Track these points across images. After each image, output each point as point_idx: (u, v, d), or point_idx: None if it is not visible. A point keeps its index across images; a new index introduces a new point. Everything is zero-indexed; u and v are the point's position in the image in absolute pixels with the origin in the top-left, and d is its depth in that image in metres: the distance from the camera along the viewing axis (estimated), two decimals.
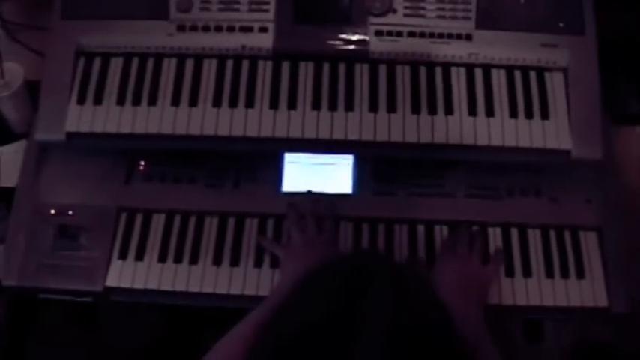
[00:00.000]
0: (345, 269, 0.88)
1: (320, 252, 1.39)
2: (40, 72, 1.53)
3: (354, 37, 1.46)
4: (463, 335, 1.14)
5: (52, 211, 1.50)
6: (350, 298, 0.80)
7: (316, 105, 1.43)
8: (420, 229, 1.49)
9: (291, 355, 0.78)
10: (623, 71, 1.83)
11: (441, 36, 1.46)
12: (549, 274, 1.45)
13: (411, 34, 1.46)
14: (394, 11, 1.47)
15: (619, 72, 1.82)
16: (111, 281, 1.45)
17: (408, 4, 1.47)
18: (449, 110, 1.43)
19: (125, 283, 1.45)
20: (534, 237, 1.49)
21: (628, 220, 1.51)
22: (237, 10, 1.47)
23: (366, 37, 1.46)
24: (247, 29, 1.46)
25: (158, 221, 1.51)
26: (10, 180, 1.60)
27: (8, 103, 1.64)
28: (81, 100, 1.44)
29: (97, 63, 1.48)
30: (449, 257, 1.42)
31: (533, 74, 1.47)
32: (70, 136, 1.43)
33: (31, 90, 1.64)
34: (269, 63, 1.47)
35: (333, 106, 1.43)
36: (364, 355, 0.74)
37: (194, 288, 1.44)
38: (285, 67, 1.46)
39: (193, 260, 1.47)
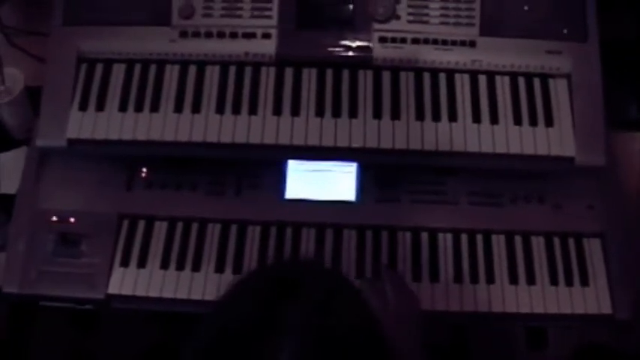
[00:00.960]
0: (273, 274, 0.90)
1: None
2: (39, 78, 1.53)
3: (358, 44, 1.45)
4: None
5: (53, 218, 1.49)
6: (273, 302, 0.80)
7: (320, 112, 1.42)
8: (424, 236, 1.49)
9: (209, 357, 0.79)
10: (625, 77, 1.83)
11: (444, 42, 1.45)
12: (553, 281, 1.45)
13: (415, 41, 1.45)
14: (398, 17, 1.46)
15: (620, 78, 1.82)
16: (112, 288, 1.44)
17: (411, 10, 1.46)
18: (453, 117, 1.43)
19: (127, 291, 1.44)
20: (538, 244, 1.48)
21: (631, 226, 1.51)
22: (240, 16, 1.47)
23: (370, 44, 1.45)
24: (250, 35, 1.46)
25: (160, 228, 1.50)
26: (11, 186, 1.59)
27: (8, 109, 1.63)
28: (83, 107, 1.43)
29: (98, 69, 1.47)
30: (379, 304, 1.31)
31: (537, 81, 1.46)
32: (72, 142, 1.42)
33: (31, 96, 1.63)
34: (272, 69, 1.46)
35: (336, 113, 1.42)
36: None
37: (196, 295, 1.43)
38: (289, 73, 1.46)
39: (195, 267, 1.46)
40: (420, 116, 1.42)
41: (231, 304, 0.86)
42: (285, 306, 0.79)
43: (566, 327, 1.60)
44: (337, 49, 1.46)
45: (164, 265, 1.46)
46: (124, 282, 1.44)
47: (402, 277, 1.43)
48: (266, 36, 1.46)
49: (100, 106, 1.44)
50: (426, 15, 1.46)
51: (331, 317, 0.80)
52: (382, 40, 1.45)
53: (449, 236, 1.49)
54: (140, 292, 1.44)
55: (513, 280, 1.45)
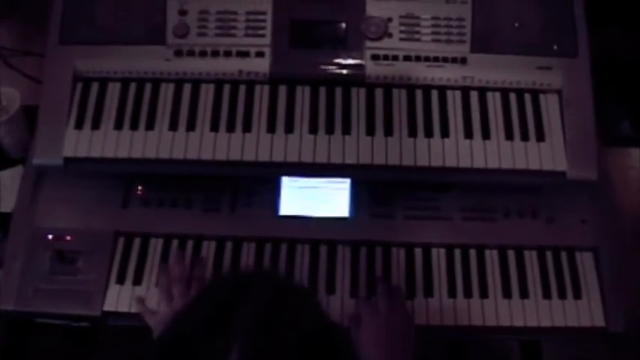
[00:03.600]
0: (228, 282, 0.93)
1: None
2: (34, 97, 1.55)
3: (351, 62, 1.47)
4: None
5: (50, 236, 1.50)
6: (224, 308, 0.83)
7: (313, 129, 1.43)
8: (418, 252, 1.50)
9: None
10: (618, 94, 1.85)
11: (436, 59, 1.47)
12: (546, 295, 1.46)
13: (407, 58, 1.47)
14: (390, 35, 1.47)
15: (613, 94, 1.84)
16: (109, 306, 1.45)
17: (403, 28, 1.48)
18: (445, 133, 1.44)
19: (123, 308, 1.45)
20: (531, 258, 1.50)
21: (623, 240, 1.52)
22: (234, 35, 1.48)
23: (362, 62, 1.46)
24: (244, 54, 1.47)
25: (156, 245, 1.51)
26: (7, 205, 1.60)
27: (5, 128, 1.65)
28: (78, 125, 1.44)
29: (94, 88, 1.48)
30: (370, 318, 1.34)
31: (528, 96, 1.48)
32: (68, 160, 1.43)
33: (27, 114, 1.65)
34: (266, 87, 1.47)
35: (330, 130, 1.43)
36: None
37: None
38: (282, 91, 1.47)
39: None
40: (412, 132, 1.43)
41: (187, 311, 0.90)
42: (236, 308, 0.82)
43: (560, 340, 1.60)
44: (330, 67, 1.47)
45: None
46: (120, 299, 1.45)
47: (402, 292, 1.43)
48: (260, 54, 1.47)
49: (96, 125, 1.44)
50: (418, 33, 1.48)
51: (280, 318, 0.82)
52: (375, 57, 1.47)
53: (442, 251, 1.50)
54: (136, 309, 1.45)
55: (507, 294, 1.46)
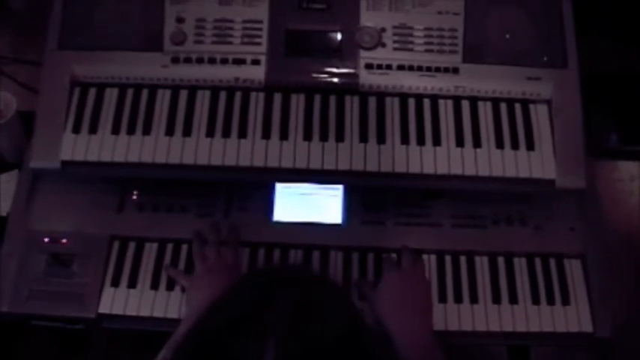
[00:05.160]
0: (264, 276, 0.93)
1: (222, 278, 1.41)
2: (28, 104, 1.57)
3: (345, 70, 1.49)
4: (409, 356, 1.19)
5: (45, 239, 1.51)
6: (258, 302, 0.82)
7: (307, 136, 1.45)
8: None
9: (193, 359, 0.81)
10: (605, 107, 1.88)
11: (428, 69, 1.49)
12: (535, 300, 1.48)
13: (400, 67, 1.49)
14: (383, 45, 1.50)
15: (602, 108, 1.86)
16: (103, 308, 1.46)
17: (396, 38, 1.50)
18: (437, 141, 1.46)
19: (117, 310, 1.46)
20: (520, 265, 1.52)
21: (611, 248, 1.55)
22: (230, 42, 1.50)
23: (356, 70, 1.49)
24: (240, 61, 1.49)
25: (150, 249, 1.53)
26: (3, 208, 1.61)
27: (1, 133, 1.66)
28: (76, 129, 1.46)
29: (92, 93, 1.50)
30: (391, 274, 1.44)
31: (518, 106, 1.50)
32: (65, 164, 1.44)
33: (22, 120, 1.66)
34: (261, 95, 1.49)
35: (324, 137, 1.45)
36: (259, 358, 0.76)
37: None
38: (277, 98, 1.49)
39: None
40: (405, 140, 1.46)
41: (217, 307, 0.88)
42: (271, 303, 0.81)
43: (548, 346, 1.62)
44: (325, 75, 1.49)
45: (154, 285, 1.49)
46: (114, 302, 1.47)
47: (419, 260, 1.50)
48: (256, 62, 1.49)
49: (93, 129, 1.46)
50: (411, 43, 1.50)
51: (316, 318, 0.82)
52: (368, 66, 1.49)
53: (433, 257, 1.53)
54: (131, 311, 1.46)
55: (496, 299, 1.48)
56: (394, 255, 1.51)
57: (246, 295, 0.87)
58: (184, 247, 1.53)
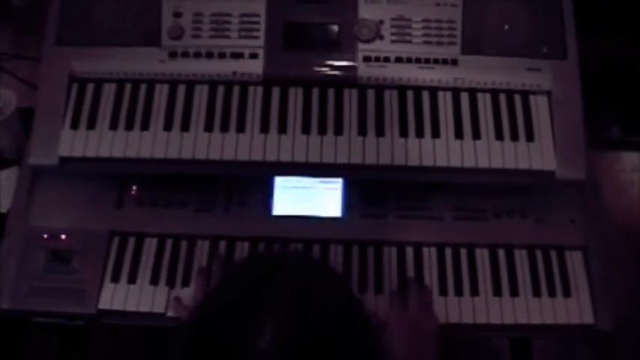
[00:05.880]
0: (262, 261, 0.94)
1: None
2: (27, 101, 1.57)
3: (343, 63, 1.48)
4: None
5: (45, 236, 1.51)
6: (257, 287, 0.83)
7: (306, 129, 1.45)
8: (409, 251, 1.51)
9: (192, 342, 0.82)
10: (607, 98, 1.87)
11: (427, 61, 1.48)
12: (536, 293, 1.47)
13: (399, 60, 1.48)
14: (381, 38, 1.49)
15: (602, 99, 1.86)
16: (103, 304, 1.46)
17: (394, 30, 1.50)
18: (436, 133, 1.45)
19: (118, 306, 1.46)
20: (521, 257, 1.51)
21: (612, 239, 1.55)
22: (228, 36, 1.50)
23: (355, 63, 1.48)
24: (238, 55, 1.48)
25: (150, 245, 1.52)
26: (3, 205, 1.61)
27: (1, 129, 1.66)
28: (74, 125, 1.46)
29: (89, 89, 1.49)
30: (399, 321, 1.38)
31: (518, 97, 1.49)
32: (63, 160, 1.44)
33: (22, 117, 1.66)
34: (259, 88, 1.49)
35: (322, 131, 1.45)
36: (256, 341, 0.77)
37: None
38: (276, 92, 1.49)
39: (185, 283, 1.48)
40: (403, 133, 1.45)
41: (217, 290, 0.89)
42: (268, 289, 0.82)
43: (550, 338, 1.62)
44: (323, 68, 1.49)
45: (154, 280, 1.48)
46: (114, 297, 1.46)
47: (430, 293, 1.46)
48: (253, 56, 1.48)
49: (91, 125, 1.46)
50: (409, 35, 1.50)
51: (313, 299, 0.82)
52: (366, 59, 1.48)
53: (433, 250, 1.52)
54: (131, 307, 1.46)
55: (497, 292, 1.48)
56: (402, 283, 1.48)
57: (244, 281, 0.87)
58: (184, 243, 1.52)
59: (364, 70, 1.48)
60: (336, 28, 1.50)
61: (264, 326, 0.77)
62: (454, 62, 1.49)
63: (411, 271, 1.50)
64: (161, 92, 1.49)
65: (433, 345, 1.36)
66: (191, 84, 1.50)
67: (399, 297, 1.43)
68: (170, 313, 1.46)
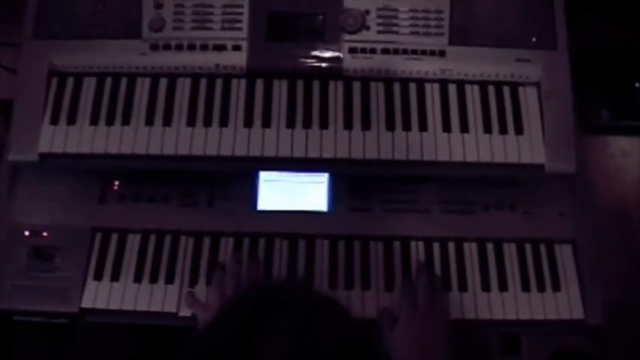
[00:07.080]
0: (248, 302, 0.91)
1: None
2: (12, 90, 1.52)
3: (328, 55, 1.46)
4: None
5: (26, 232, 1.49)
6: (250, 330, 0.81)
7: (290, 123, 1.42)
8: (396, 245, 1.50)
9: None
10: (596, 82, 1.85)
11: (414, 52, 1.46)
12: (525, 287, 1.46)
13: (385, 51, 1.46)
14: (367, 28, 1.46)
15: (591, 83, 1.84)
16: (86, 302, 1.44)
17: (381, 20, 1.47)
18: (423, 127, 1.43)
19: (101, 304, 1.44)
20: (510, 251, 1.50)
21: (601, 232, 1.53)
22: (210, 28, 1.46)
23: (340, 54, 1.45)
24: (221, 47, 1.45)
25: (133, 241, 1.50)
26: None
27: None
28: (54, 121, 1.43)
29: (69, 83, 1.47)
30: (409, 319, 1.35)
31: (506, 89, 1.47)
32: (43, 156, 1.42)
33: (4, 108, 1.63)
34: (243, 81, 1.46)
35: (307, 124, 1.42)
36: None
37: (170, 308, 1.44)
38: (259, 85, 1.46)
39: (169, 280, 1.46)
40: (390, 126, 1.43)
41: (208, 334, 0.87)
42: (263, 332, 0.80)
43: (540, 333, 1.61)
44: (308, 60, 1.46)
45: (138, 278, 1.46)
46: (97, 296, 1.45)
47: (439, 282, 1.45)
48: (236, 48, 1.46)
49: (72, 120, 1.43)
50: (396, 25, 1.47)
51: (312, 336, 0.81)
52: (352, 50, 1.46)
53: (421, 244, 1.50)
54: (114, 305, 1.44)
55: (486, 286, 1.46)
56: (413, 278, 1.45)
57: (232, 322, 0.85)
58: (168, 238, 1.50)
59: (350, 62, 1.45)
60: (320, 18, 1.47)
61: None
62: (442, 53, 1.46)
63: (398, 266, 1.48)
64: (142, 86, 1.46)
65: (442, 342, 1.35)
66: (173, 77, 1.47)
67: (408, 293, 1.39)
68: (183, 311, 1.44)
